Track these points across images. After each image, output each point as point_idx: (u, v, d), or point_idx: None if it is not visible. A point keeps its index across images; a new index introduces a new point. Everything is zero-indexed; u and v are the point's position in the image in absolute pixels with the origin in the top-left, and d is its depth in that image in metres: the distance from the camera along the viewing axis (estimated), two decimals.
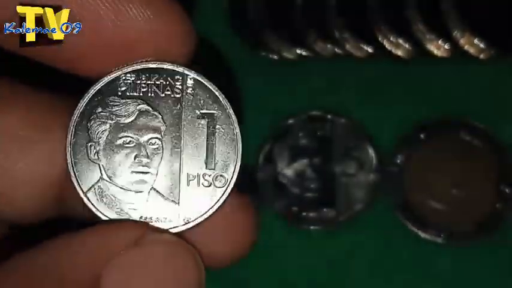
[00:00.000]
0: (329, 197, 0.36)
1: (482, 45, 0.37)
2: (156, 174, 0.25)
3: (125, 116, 0.25)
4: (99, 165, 0.25)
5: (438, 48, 0.37)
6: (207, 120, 0.25)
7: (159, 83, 0.25)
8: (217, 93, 0.25)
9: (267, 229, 0.36)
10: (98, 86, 0.24)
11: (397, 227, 0.36)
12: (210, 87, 0.25)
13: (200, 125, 0.25)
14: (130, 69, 0.24)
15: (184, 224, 0.25)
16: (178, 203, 0.25)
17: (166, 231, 0.24)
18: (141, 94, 0.25)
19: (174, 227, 0.25)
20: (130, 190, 0.25)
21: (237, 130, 0.25)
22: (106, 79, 0.24)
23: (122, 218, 0.24)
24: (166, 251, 0.23)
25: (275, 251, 0.36)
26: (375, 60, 0.38)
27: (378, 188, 0.36)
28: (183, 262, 0.23)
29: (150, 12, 0.23)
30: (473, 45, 0.37)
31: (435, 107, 0.37)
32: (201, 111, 0.25)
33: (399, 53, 0.37)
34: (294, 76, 0.38)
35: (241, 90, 0.38)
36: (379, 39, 0.37)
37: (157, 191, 0.25)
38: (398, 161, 0.36)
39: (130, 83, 0.25)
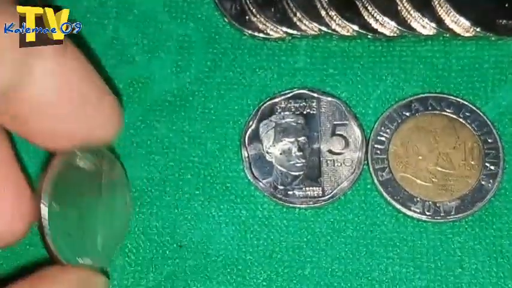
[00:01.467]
0: (315, 175, 0.36)
1: (467, 24, 0.37)
2: None
3: None
4: None
5: (423, 26, 0.37)
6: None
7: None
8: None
9: (253, 207, 0.36)
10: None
11: (382, 204, 0.36)
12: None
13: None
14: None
15: None
16: None
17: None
18: None
19: None
20: None
21: None
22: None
23: None
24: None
25: (261, 229, 0.36)
26: (360, 39, 0.38)
27: (363, 166, 0.36)
28: None
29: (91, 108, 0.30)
30: (458, 23, 0.37)
31: (420, 85, 0.37)
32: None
33: (385, 31, 0.38)
34: (279, 55, 0.38)
35: (227, 70, 0.38)
36: (365, 17, 0.37)
37: None
38: (384, 138, 0.36)
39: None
